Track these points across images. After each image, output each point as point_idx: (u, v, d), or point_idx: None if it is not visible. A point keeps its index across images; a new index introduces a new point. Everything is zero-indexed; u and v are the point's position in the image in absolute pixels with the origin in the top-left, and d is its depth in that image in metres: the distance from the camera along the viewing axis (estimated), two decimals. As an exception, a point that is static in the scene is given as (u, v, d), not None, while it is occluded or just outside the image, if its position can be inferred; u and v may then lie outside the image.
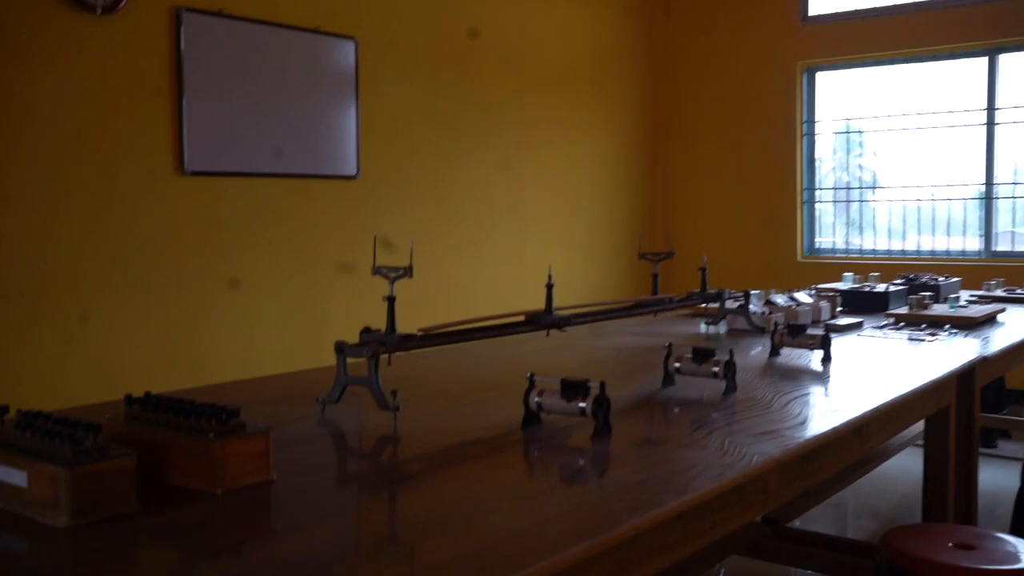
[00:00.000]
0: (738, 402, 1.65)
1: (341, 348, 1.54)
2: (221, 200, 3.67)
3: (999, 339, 2.51)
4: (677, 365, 1.77)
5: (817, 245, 5.88)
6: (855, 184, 5.95)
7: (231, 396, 1.74)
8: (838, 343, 2.34)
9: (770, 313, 2.65)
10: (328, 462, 1.34)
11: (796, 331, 2.15)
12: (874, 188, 5.89)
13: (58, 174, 3.21)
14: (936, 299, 3.18)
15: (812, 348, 2.13)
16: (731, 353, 1.73)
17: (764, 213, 5.82)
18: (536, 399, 1.46)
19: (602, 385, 1.39)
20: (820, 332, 2.15)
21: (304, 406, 1.60)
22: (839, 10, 5.56)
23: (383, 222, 4.23)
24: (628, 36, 5.86)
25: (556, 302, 1.83)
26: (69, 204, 3.23)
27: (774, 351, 2.16)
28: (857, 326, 2.72)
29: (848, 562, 2.55)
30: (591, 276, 5.41)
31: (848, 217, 5.87)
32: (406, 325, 1.55)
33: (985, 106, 5.24)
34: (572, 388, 1.41)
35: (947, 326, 2.69)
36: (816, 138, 5.81)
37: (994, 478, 3.73)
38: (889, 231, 5.68)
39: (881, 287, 3.28)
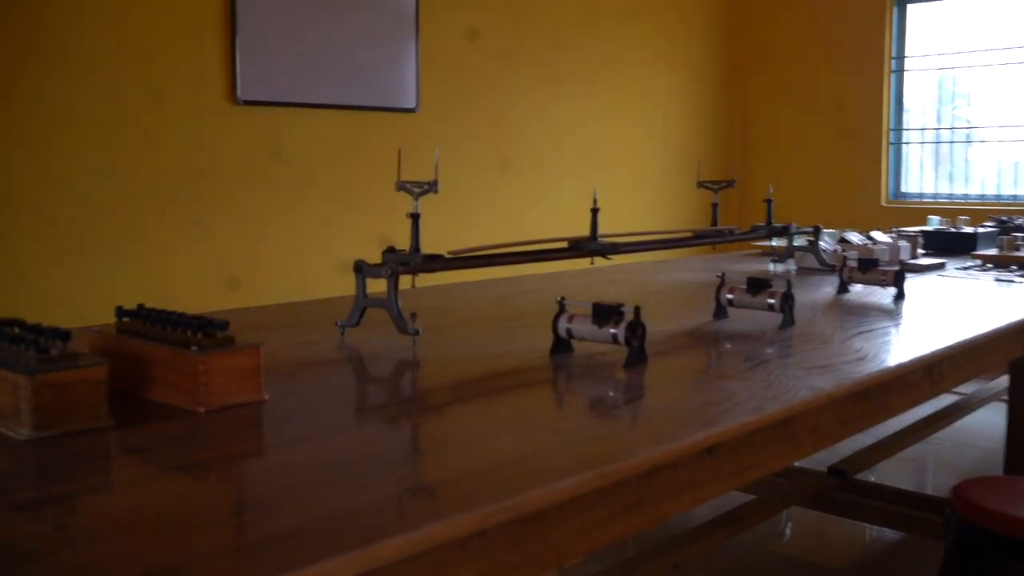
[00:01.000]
0: (794, 336, 1.51)
1: (360, 267, 1.44)
2: (274, 131, 3.61)
3: (1097, 282, 2.29)
4: (730, 296, 1.63)
5: (903, 190, 5.58)
6: (947, 127, 5.62)
7: (251, 319, 1.66)
8: (915, 282, 2.16)
9: (843, 251, 2.47)
10: (332, 384, 1.25)
11: (867, 266, 1.98)
12: (969, 132, 5.55)
13: (110, 103, 3.17)
14: (1029, 241, 2.95)
15: (884, 285, 1.96)
16: (788, 284, 1.58)
17: (847, 155, 5.53)
18: (566, 325, 1.34)
19: (636, 310, 1.26)
20: (894, 268, 1.97)
21: (324, 330, 1.50)
22: (935, -63, 5.20)
23: (442, 156, 4.13)
24: (706, -32, 5.59)
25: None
26: (121, 133, 3.20)
27: (842, 287, 2.00)
28: (939, 267, 2.53)
29: (918, 517, 2.39)
30: (662, 217, 5.22)
31: (938, 163, 5.55)
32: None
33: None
34: (604, 312, 1.29)
35: (1039, 268, 2.47)
36: (905, 76, 5.48)
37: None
38: (983, 179, 5.35)
39: (969, 229, 3.05)
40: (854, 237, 2.67)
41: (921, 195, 5.51)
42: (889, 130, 5.47)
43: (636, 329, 1.26)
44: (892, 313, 1.78)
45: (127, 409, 1.04)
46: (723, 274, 1.65)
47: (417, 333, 1.38)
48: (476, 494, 0.79)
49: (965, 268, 2.51)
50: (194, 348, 1.02)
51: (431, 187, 1.45)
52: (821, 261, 2.38)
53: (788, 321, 1.56)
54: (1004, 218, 3.31)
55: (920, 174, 5.53)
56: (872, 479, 2.85)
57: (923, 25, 5.40)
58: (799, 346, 1.44)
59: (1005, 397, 2.89)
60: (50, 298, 3.03)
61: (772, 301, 1.57)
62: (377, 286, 1.42)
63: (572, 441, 0.96)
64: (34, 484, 0.85)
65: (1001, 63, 5.19)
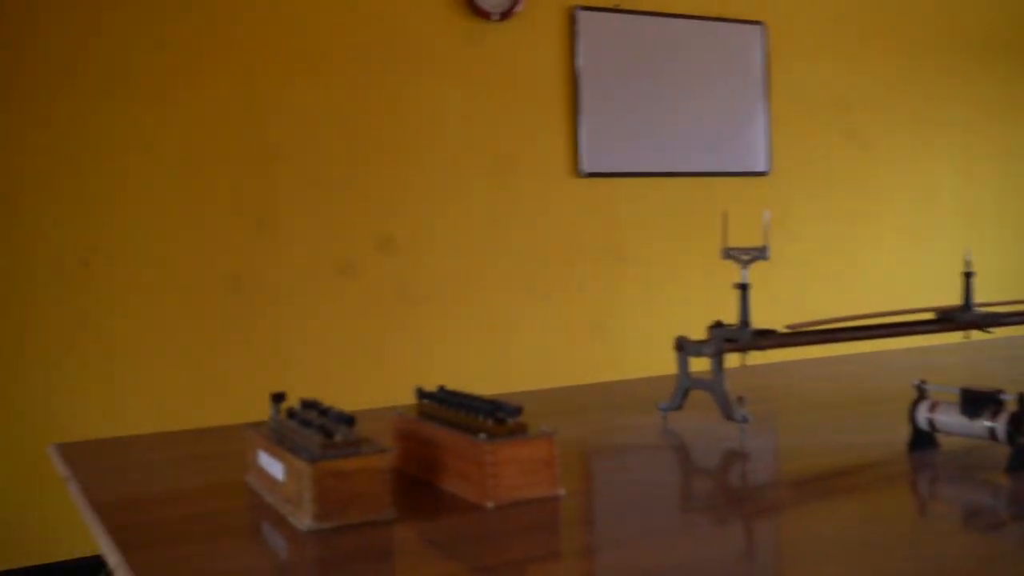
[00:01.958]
0: None
1: (682, 345, 1.30)
2: (618, 201, 3.58)
3: None
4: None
5: None
6: None
7: (571, 399, 1.57)
8: None
9: None
10: (644, 477, 1.10)
11: None
12: None
13: (458, 179, 3.31)
14: None
15: None
16: None
17: None
18: (927, 414, 1.10)
19: (1021, 398, 1.00)
20: None
21: (644, 413, 1.38)
22: None
23: (794, 218, 3.88)
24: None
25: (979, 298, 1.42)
26: (469, 207, 3.33)
27: None
28: None
29: None
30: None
31: None
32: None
33: None
34: (976, 400, 1.04)
35: None
36: None
37: None
38: None
39: None
40: None
41: None
42: None
43: (1021, 423, 1.00)
44: None
45: (414, 499, 0.97)
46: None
47: (746, 420, 1.21)
48: None
49: None
50: (482, 436, 0.93)
51: (760, 254, 1.28)
52: None
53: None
54: None
55: None
56: None
57: None
58: None
59: None
60: (413, 369, 3.18)
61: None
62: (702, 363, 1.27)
63: (962, 569, 0.74)
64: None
65: None
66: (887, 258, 4.18)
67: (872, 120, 4.16)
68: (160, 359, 2.90)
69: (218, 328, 2.97)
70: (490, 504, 0.92)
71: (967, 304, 1.44)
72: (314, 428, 0.90)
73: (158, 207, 2.90)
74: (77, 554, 2.75)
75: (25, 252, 2.74)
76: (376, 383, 3.09)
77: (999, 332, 1.50)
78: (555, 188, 3.46)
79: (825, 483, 1.03)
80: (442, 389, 1.09)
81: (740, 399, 1.22)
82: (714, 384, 1.23)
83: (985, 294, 1.44)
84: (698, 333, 1.30)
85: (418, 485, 1.02)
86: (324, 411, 0.94)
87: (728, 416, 1.22)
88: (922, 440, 1.11)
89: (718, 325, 1.31)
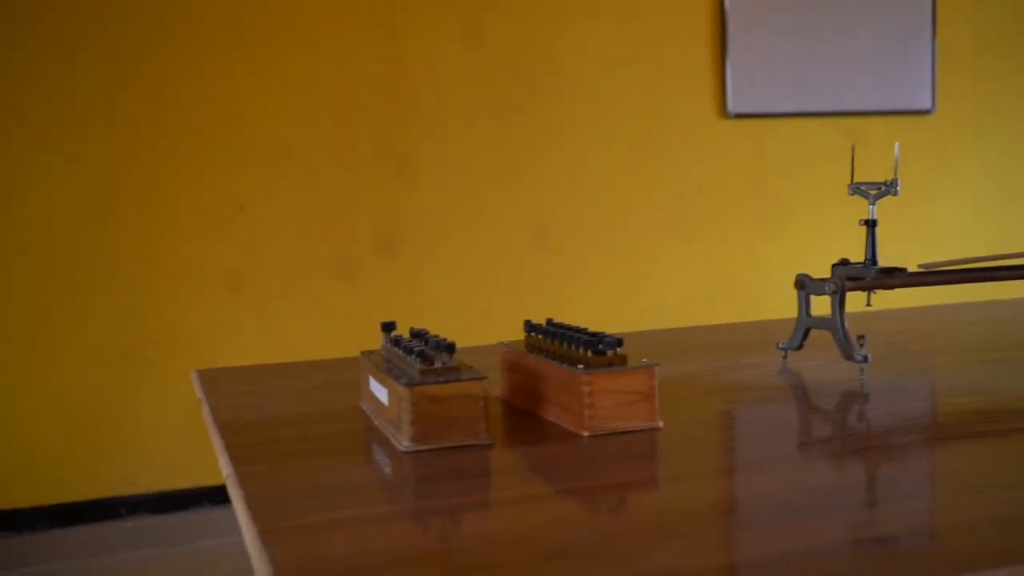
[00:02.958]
0: None
1: (802, 283, 1.26)
2: (766, 143, 3.47)
3: None
4: None
5: None
6: None
7: (697, 338, 1.56)
8: None
9: None
10: (754, 413, 1.09)
11: None
12: None
13: (599, 121, 3.29)
14: None
15: None
16: None
17: None
18: (1064, 357, 1.03)
19: None
20: None
21: (769, 352, 1.35)
22: None
23: (959, 159, 3.66)
24: None
25: None
26: (612, 150, 3.30)
27: None
28: None
29: None
30: None
31: None
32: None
33: None
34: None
35: None
36: None
37: None
38: None
39: None
40: None
41: None
42: None
43: None
44: None
45: (517, 428, 1.00)
46: None
47: (865, 360, 1.16)
48: (948, 555, 0.60)
49: None
50: (580, 367, 0.94)
51: (890, 188, 1.23)
52: None
53: None
54: None
55: None
56: None
57: None
58: None
59: None
60: (548, 311, 3.21)
61: None
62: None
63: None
64: (414, 495, 0.83)
65: None
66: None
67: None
68: (308, 295, 3.04)
69: (361, 266, 3.08)
70: (586, 433, 0.93)
71: None
72: (415, 355, 0.93)
73: (307, 155, 3.02)
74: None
75: (189, 196, 2.92)
76: (514, 323, 3.13)
77: None
78: (700, 130, 3.39)
79: (950, 427, 0.99)
80: (549, 322, 1.10)
81: (860, 338, 1.17)
82: (833, 323, 1.20)
83: None
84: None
85: (523, 415, 1.04)
86: (426, 339, 0.97)
87: (847, 356, 1.18)
88: (1057, 384, 1.05)
89: (843, 263, 1.26)
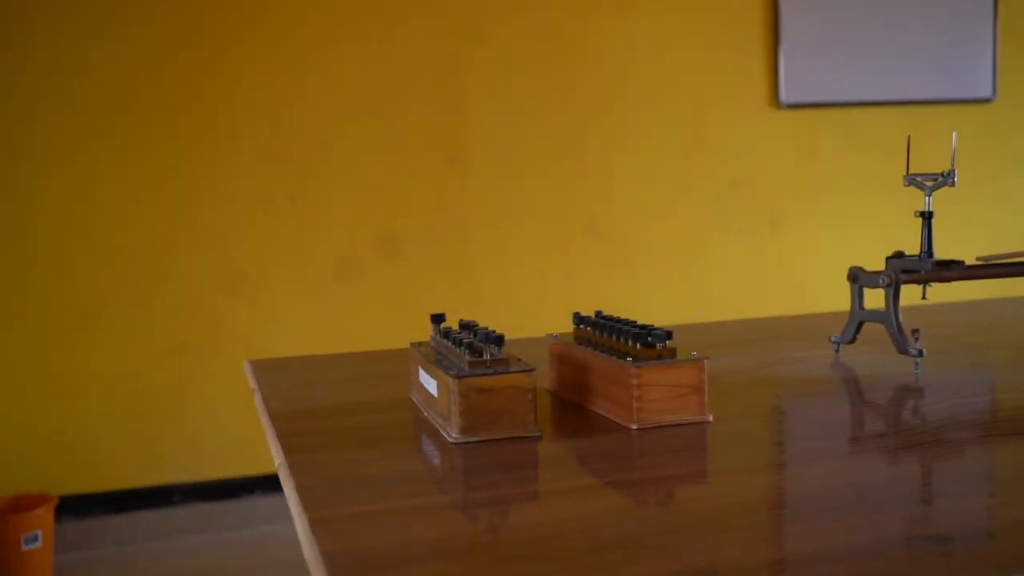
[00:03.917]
0: None
1: (855, 275, 1.24)
2: (820, 133, 3.42)
3: None
4: None
5: None
6: None
7: (747, 331, 1.54)
8: None
9: None
10: (805, 406, 1.07)
11: None
12: None
13: (650, 111, 3.27)
14: None
15: None
16: None
17: None
18: None
19: None
20: None
21: (824, 346, 1.33)
22: None
23: (1021, 148, 3.58)
24: None
25: None
26: (663, 140, 3.28)
27: None
28: None
29: None
30: None
31: None
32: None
33: None
34: None
35: None
36: None
37: None
38: None
39: None
40: None
41: None
42: None
43: None
44: None
45: (565, 420, 1.00)
46: None
47: (920, 354, 1.15)
48: (1002, 553, 0.59)
49: None
50: (629, 360, 0.94)
51: (947, 179, 1.21)
52: None
53: None
54: None
55: None
56: None
57: None
58: None
59: None
60: (597, 301, 3.20)
61: None
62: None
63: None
64: (463, 486, 0.84)
65: None
66: None
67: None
68: (359, 285, 3.07)
69: (410, 258, 3.10)
70: (634, 426, 0.93)
71: None
72: (464, 346, 0.93)
73: (357, 148, 3.05)
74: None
75: (240, 189, 2.96)
76: (565, 314, 3.13)
77: None
78: (752, 120, 3.35)
79: (1006, 423, 0.97)
80: (599, 314, 1.10)
81: (915, 332, 1.15)
82: (887, 316, 1.18)
83: None
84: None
85: (571, 407, 1.04)
86: (475, 331, 0.98)
87: (901, 350, 1.16)
88: (1120, 380, 1.02)
89: (898, 255, 1.24)
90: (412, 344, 1.11)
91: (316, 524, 0.69)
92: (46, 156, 2.82)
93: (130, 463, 2.93)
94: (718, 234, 3.36)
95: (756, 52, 3.33)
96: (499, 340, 0.93)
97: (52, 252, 2.85)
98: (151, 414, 2.94)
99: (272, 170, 2.98)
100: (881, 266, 1.22)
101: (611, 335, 1.01)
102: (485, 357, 0.92)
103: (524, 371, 0.91)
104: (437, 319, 1.08)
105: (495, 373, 0.90)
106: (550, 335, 1.13)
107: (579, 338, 1.09)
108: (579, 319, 1.10)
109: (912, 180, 1.24)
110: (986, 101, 3.59)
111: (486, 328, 0.97)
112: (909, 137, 1.29)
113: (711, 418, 0.95)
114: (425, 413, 1.02)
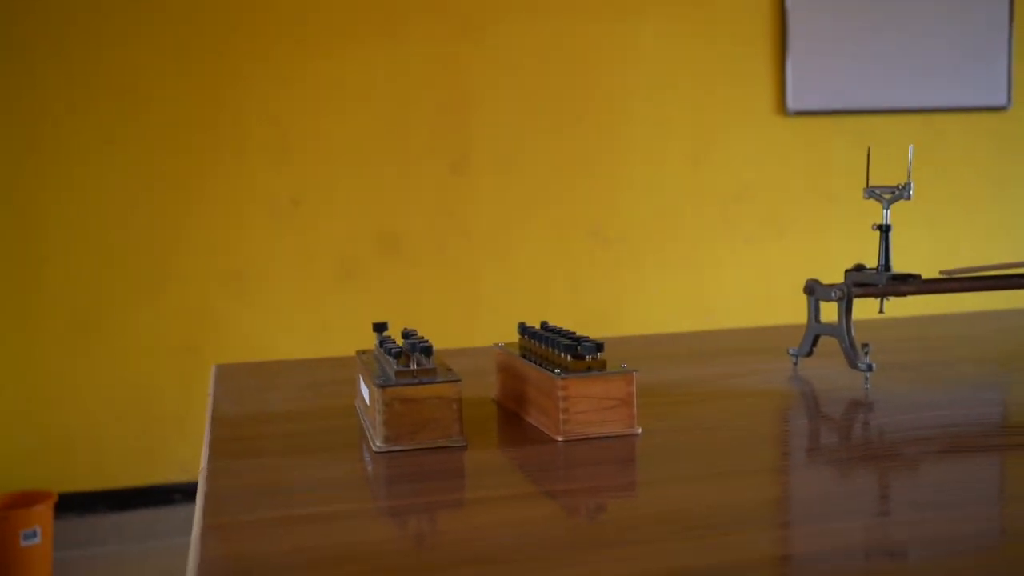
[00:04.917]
0: None
1: (811, 288, 1.24)
2: (828, 141, 3.39)
3: None
4: None
5: None
6: None
7: (707, 343, 1.54)
8: None
9: None
10: (746, 420, 1.06)
11: None
12: None
13: (657, 118, 3.26)
14: None
15: None
16: None
17: None
18: (1070, 371, 0.99)
19: None
20: None
21: (779, 359, 1.33)
22: None
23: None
24: None
25: None
26: (667, 148, 3.27)
27: None
28: None
29: None
30: None
31: None
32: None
33: None
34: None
35: None
36: None
37: None
38: None
39: None
40: None
41: None
42: None
43: None
44: None
45: (500, 430, 1.00)
46: None
47: (869, 368, 1.14)
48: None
49: None
50: (557, 371, 0.94)
51: (902, 192, 1.19)
52: None
53: None
54: None
55: None
56: None
57: None
58: None
59: None
60: (601, 309, 3.20)
61: None
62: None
63: None
64: (372, 495, 0.84)
65: None
66: None
67: None
68: (356, 287, 3.09)
69: (413, 260, 3.12)
70: (560, 438, 0.93)
71: None
72: (393, 356, 0.94)
73: (362, 151, 3.07)
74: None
75: (243, 191, 3.00)
76: (568, 321, 3.13)
77: None
78: (759, 127, 3.33)
79: (960, 438, 0.96)
80: (543, 325, 1.10)
81: (864, 346, 1.15)
82: (839, 330, 1.17)
83: None
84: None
85: (512, 418, 1.05)
86: (410, 340, 0.98)
87: (852, 364, 1.15)
88: (1064, 399, 1.01)
89: (857, 268, 1.23)
90: (357, 352, 1.12)
91: (208, 531, 0.70)
92: (51, 158, 2.87)
93: (131, 462, 2.97)
94: (725, 242, 3.34)
95: (763, 57, 3.31)
96: (427, 350, 0.94)
97: (57, 253, 2.89)
98: (153, 413, 2.98)
99: (275, 172, 3.01)
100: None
101: (547, 346, 1.01)
102: (412, 367, 0.93)
103: (450, 381, 0.92)
104: (379, 327, 1.08)
105: (419, 383, 0.91)
106: (496, 344, 1.13)
107: (522, 348, 1.09)
108: (523, 329, 1.11)
109: (872, 192, 1.23)
110: (1001, 109, 3.54)
111: (417, 337, 0.98)
112: (869, 148, 1.28)
113: (639, 431, 0.95)
114: (362, 421, 1.03)
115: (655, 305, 3.27)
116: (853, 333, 1.16)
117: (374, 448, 0.92)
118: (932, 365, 1.31)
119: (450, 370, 0.96)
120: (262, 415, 1.11)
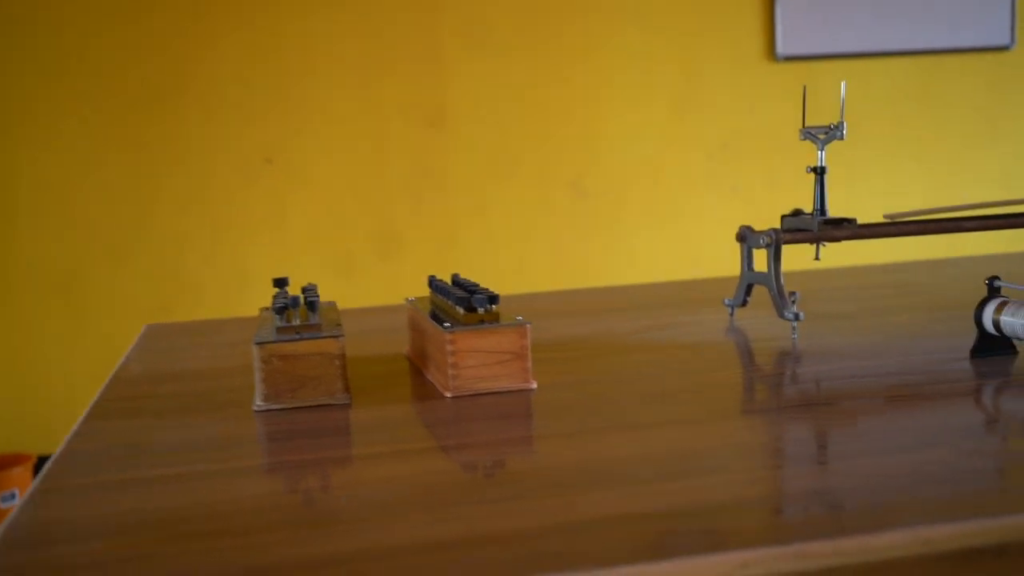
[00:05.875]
0: None
1: (743, 236, 1.19)
2: (820, 87, 3.29)
3: None
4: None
5: None
6: None
7: (646, 295, 1.50)
8: None
9: None
10: (660, 371, 1.02)
11: None
12: None
13: (638, 65, 3.18)
14: None
15: None
16: None
17: None
18: (994, 315, 0.94)
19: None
20: None
21: (716, 310, 1.28)
22: None
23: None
24: None
25: None
26: (650, 96, 3.19)
27: None
28: None
29: None
30: None
31: None
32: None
33: None
34: (1035, 301, 0.88)
35: None
36: None
37: None
38: None
39: None
40: None
41: None
42: None
43: (1084, 328, 0.83)
44: None
45: (395, 387, 0.97)
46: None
47: (797, 318, 1.09)
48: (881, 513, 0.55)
49: None
50: (447, 325, 0.90)
51: (835, 131, 1.14)
52: None
53: None
54: None
55: None
56: None
57: None
58: None
59: None
60: (583, 264, 3.15)
61: None
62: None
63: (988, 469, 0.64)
64: (240, 454, 0.81)
65: None
66: None
67: None
68: (334, 247, 3.05)
69: (396, 219, 3.08)
70: (449, 394, 0.90)
71: None
72: (276, 311, 0.91)
73: (337, 107, 3.02)
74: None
75: (217, 148, 2.96)
76: (549, 276, 3.09)
77: None
78: (745, 73, 3.24)
79: (875, 390, 0.91)
80: (454, 277, 1.06)
81: (792, 295, 1.10)
82: (767, 278, 1.12)
83: None
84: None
85: (416, 374, 1.01)
86: (296, 297, 0.95)
87: (780, 314, 1.11)
88: (987, 345, 0.96)
89: (795, 213, 1.18)
90: (261, 309, 1.09)
91: (37, 495, 0.67)
92: (20, 119, 2.85)
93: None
94: (711, 193, 3.27)
95: (751, 2, 3.22)
96: (312, 305, 0.91)
97: (29, 215, 2.88)
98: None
99: (248, 132, 2.97)
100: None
101: (446, 299, 0.98)
102: (294, 323, 0.89)
103: (332, 336, 0.88)
104: (279, 283, 1.05)
105: (300, 339, 0.88)
106: (408, 299, 1.10)
107: (431, 303, 1.05)
108: (431, 283, 1.07)
109: (807, 134, 1.18)
110: (1004, 49, 3.43)
111: (306, 293, 0.94)
112: (804, 87, 1.23)
113: (534, 385, 0.92)
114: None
115: (638, 258, 3.22)
116: (782, 281, 1.11)
117: (253, 407, 0.89)
118: (867, 314, 1.26)
119: (339, 325, 0.92)
120: (164, 375, 1.08)
